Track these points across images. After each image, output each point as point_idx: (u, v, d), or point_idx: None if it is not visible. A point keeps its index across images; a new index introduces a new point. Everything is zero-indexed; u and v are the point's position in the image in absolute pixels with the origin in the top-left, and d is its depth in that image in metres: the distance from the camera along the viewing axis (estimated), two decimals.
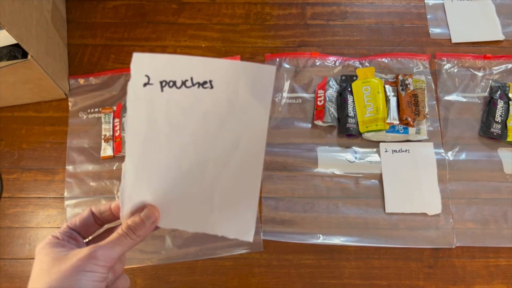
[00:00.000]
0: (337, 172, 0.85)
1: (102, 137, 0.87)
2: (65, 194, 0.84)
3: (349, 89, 0.88)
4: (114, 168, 0.85)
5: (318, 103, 0.88)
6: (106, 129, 0.87)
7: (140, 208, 0.36)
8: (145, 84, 0.33)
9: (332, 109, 0.87)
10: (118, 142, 0.86)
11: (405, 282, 0.78)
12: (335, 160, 0.85)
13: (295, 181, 0.84)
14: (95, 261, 0.33)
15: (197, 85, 0.34)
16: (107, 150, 0.86)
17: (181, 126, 0.35)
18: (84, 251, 0.34)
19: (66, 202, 0.83)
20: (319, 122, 0.87)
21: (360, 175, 0.85)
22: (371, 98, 0.87)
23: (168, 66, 0.33)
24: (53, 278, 0.32)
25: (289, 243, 0.80)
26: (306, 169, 0.85)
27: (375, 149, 0.86)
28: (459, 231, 0.81)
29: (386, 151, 0.86)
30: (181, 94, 0.34)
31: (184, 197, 0.36)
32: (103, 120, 0.88)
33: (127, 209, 0.36)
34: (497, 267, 0.79)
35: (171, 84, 0.33)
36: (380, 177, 0.84)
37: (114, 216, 0.39)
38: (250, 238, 0.37)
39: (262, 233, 0.80)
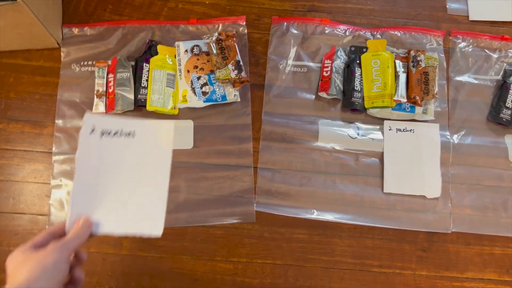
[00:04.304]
0: (337, 147, 0.82)
1: (95, 92, 0.82)
2: (53, 149, 0.80)
3: (357, 61, 0.84)
4: None
5: (324, 73, 0.84)
6: (99, 84, 0.82)
7: (78, 220, 0.50)
8: (90, 132, 0.52)
9: (338, 81, 0.83)
10: (111, 99, 0.81)
11: (397, 264, 0.77)
12: (336, 135, 0.82)
13: (293, 154, 0.81)
14: (65, 249, 0.46)
15: (124, 135, 0.52)
16: (99, 106, 0.82)
17: (110, 160, 0.52)
18: (54, 243, 0.46)
19: (54, 158, 0.79)
20: (323, 94, 0.82)
21: (360, 152, 0.82)
22: (380, 72, 0.82)
23: (108, 122, 0.52)
24: (34, 261, 0.44)
25: (282, 216, 0.77)
26: (306, 142, 0.82)
27: (378, 126, 0.83)
28: (456, 216, 0.79)
29: (390, 129, 0.82)
30: (114, 140, 0.52)
31: (110, 211, 0.51)
32: (96, 74, 0.83)
33: (71, 222, 0.50)
34: (491, 255, 0.78)
35: (108, 133, 0.52)
36: (381, 156, 0.81)
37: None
38: (159, 232, 0.53)
39: (255, 204, 0.78)
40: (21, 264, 0.43)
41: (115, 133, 0.52)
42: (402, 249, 0.78)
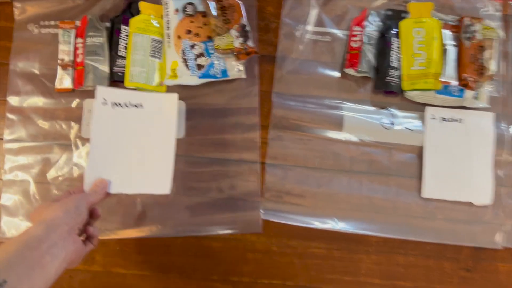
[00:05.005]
0: (366, 139, 0.68)
1: (59, 61, 0.67)
2: (5, 135, 0.66)
3: (395, 29, 0.69)
4: (73, 105, 0.67)
5: (353, 44, 0.68)
6: (64, 52, 0.67)
7: (95, 181, 0.56)
8: (103, 103, 0.58)
9: (370, 54, 0.68)
10: (80, 71, 0.65)
11: (435, 286, 0.66)
12: (365, 123, 0.68)
13: (310, 146, 0.68)
14: (84, 198, 0.51)
15: (133, 106, 0.59)
16: (64, 80, 0.67)
17: (122, 128, 0.59)
18: (75, 194, 0.53)
19: (6, 146, 0.66)
20: (350, 71, 0.68)
21: (394, 146, 0.68)
22: (424, 45, 0.67)
23: (117, 94, 0.59)
24: (57, 206, 0.48)
25: (295, 226, 0.66)
26: (327, 132, 0.68)
27: (417, 114, 0.69)
28: (509, 228, 0.66)
29: (433, 118, 0.68)
30: (124, 110, 0.59)
31: (122, 173, 0.57)
32: (61, 38, 0.68)
33: (88, 183, 0.56)
34: None
35: (118, 104, 0.59)
36: (420, 151, 0.68)
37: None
38: (167, 191, 0.57)
39: (262, 211, 0.65)
40: (44, 210, 0.48)
41: (124, 104, 0.59)
42: (442, 268, 0.66)
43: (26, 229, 0.45)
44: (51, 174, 0.64)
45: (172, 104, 0.60)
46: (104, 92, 0.58)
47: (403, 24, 0.68)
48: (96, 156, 0.57)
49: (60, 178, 0.64)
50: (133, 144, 0.58)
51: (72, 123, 0.65)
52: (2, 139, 0.65)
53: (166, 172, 0.58)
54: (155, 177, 0.58)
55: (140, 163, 0.58)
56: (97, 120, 0.58)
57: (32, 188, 0.63)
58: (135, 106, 0.59)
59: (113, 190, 0.57)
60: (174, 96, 0.60)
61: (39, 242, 0.42)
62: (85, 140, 0.65)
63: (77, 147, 0.65)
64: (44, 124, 0.65)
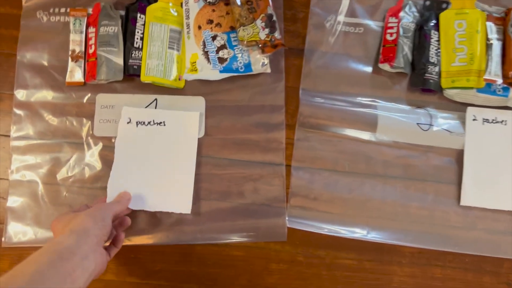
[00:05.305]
0: (401, 141, 0.63)
1: (70, 52, 0.63)
2: (12, 131, 0.61)
3: (434, 21, 0.63)
4: (85, 100, 0.62)
5: (388, 37, 0.63)
6: (75, 42, 0.62)
7: (119, 193, 0.58)
8: (128, 122, 0.61)
9: (406, 48, 0.62)
10: (92, 63, 0.60)
11: None
12: (400, 123, 0.63)
13: (340, 148, 0.63)
14: (110, 209, 0.51)
15: (156, 124, 0.61)
16: (75, 73, 0.62)
17: (145, 146, 0.61)
18: (99, 204, 0.55)
19: (13, 143, 0.61)
20: (385, 66, 0.63)
21: (432, 149, 0.63)
22: (466, 39, 0.62)
23: (142, 114, 0.61)
24: (85, 215, 0.48)
25: (323, 235, 0.61)
26: (358, 133, 0.63)
27: (457, 114, 0.64)
28: None
29: (474, 119, 0.63)
30: (147, 128, 0.61)
31: (144, 190, 0.59)
32: (72, 27, 0.63)
33: (111, 196, 0.58)
34: None
35: (142, 122, 0.61)
36: (459, 155, 0.63)
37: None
38: (188, 210, 0.59)
39: (287, 218, 0.60)
40: (70, 220, 0.47)
41: (148, 123, 0.61)
42: (481, 281, 0.62)
43: (56, 237, 0.45)
44: (61, 174, 0.60)
45: (194, 123, 0.61)
46: (130, 112, 0.61)
47: (443, 15, 0.63)
48: (119, 172, 0.59)
49: (71, 179, 0.59)
50: (155, 162, 0.59)
51: (84, 120, 0.61)
52: (8, 136, 0.60)
53: (187, 191, 0.59)
54: (176, 196, 0.59)
55: (161, 181, 0.59)
56: (121, 138, 0.60)
57: (41, 189, 0.59)
58: (158, 124, 0.60)
59: (134, 206, 0.58)
60: (196, 114, 0.61)
61: (71, 253, 0.42)
62: (97, 139, 0.60)
63: (89, 146, 0.60)
64: (53, 121, 0.61)
